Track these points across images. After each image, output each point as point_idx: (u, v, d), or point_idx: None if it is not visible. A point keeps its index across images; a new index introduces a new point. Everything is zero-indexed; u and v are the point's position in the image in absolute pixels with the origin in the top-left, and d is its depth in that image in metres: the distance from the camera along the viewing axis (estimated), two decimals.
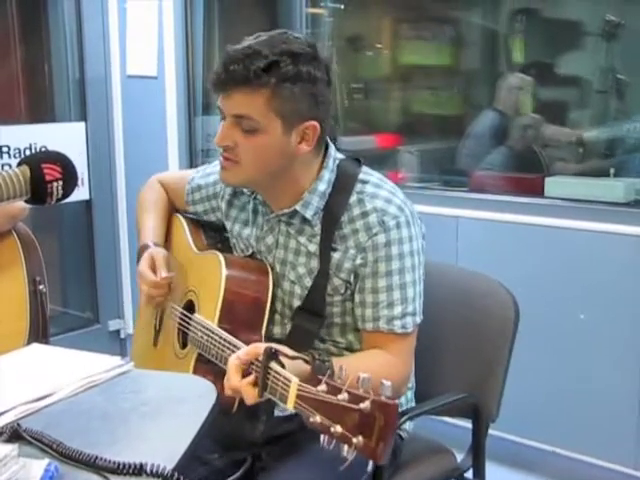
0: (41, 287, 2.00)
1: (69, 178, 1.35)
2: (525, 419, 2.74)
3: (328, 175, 1.67)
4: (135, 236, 2.01)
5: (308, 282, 1.67)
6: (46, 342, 2.01)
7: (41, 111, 4.02)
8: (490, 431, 1.86)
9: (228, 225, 1.84)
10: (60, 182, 1.34)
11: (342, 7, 4.52)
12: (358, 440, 1.10)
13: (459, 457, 1.89)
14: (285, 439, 1.68)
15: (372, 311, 1.63)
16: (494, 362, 1.84)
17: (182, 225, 1.94)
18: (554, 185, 2.92)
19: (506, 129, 3.77)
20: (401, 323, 1.62)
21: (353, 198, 1.64)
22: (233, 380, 1.41)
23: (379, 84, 4.69)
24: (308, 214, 1.65)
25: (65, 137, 3.68)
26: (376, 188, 1.65)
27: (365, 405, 1.10)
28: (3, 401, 1.34)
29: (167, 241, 1.96)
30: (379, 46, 4.80)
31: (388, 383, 1.12)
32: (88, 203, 3.82)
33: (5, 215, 1.93)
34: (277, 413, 1.67)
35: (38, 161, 1.33)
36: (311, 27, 4.16)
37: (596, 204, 2.75)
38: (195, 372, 1.65)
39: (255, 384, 1.38)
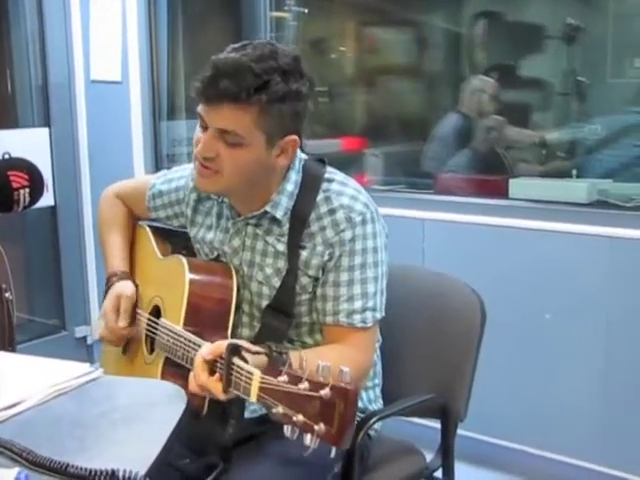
0: (7, 295, 1.98)
1: (36, 185, 1.36)
2: (493, 418, 2.77)
3: (295, 176, 1.69)
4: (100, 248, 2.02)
5: (276, 282, 1.69)
6: (12, 350, 1.98)
7: (3, 117, 3.97)
8: (459, 431, 1.88)
9: (192, 231, 1.85)
10: (27, 189, 1.34)
11: (306, 11, 4.53)
12: (320, 427, 1.12)
13: (428, 457, 1.91)
14: (254, 441, 1.69)
15: (332, 304, 1.65)
16: (461, 363, 1.87)
17: (147, 234, 1.95)
18: (518, 186, 2.95)
19: (470, 131, 3.81)
20: (361, 317, 1.64)
21: (320, 196, 1.67)
22: (200, 377, 1.42)
23: (343, 87, 4.71)
24: (278, 214, 1.67)
25: (28, 143, 3.63)
26: (342, 186, 1.69)
27: (325, 392, 1.12)
28: None
29: (132, 252, 1.98)
30: (343, 49, 4.83)
31: (347, 369, 1.14)
32: (53, 209, 3.78)
33: None
34: (247, 415, 1.68)
35: (4, 168, 1.32)
36: (275, 31, 4.18)
37: (559, 205, 2.79)
38: (163, 376, 1.66)
39: (221, 380, 1.39)
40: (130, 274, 1.92)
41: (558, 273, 2.69)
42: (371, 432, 1.80)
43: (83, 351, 3.89)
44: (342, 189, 1.68)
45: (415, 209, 2.98)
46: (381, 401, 1.86)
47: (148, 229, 1.96)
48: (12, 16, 3.76)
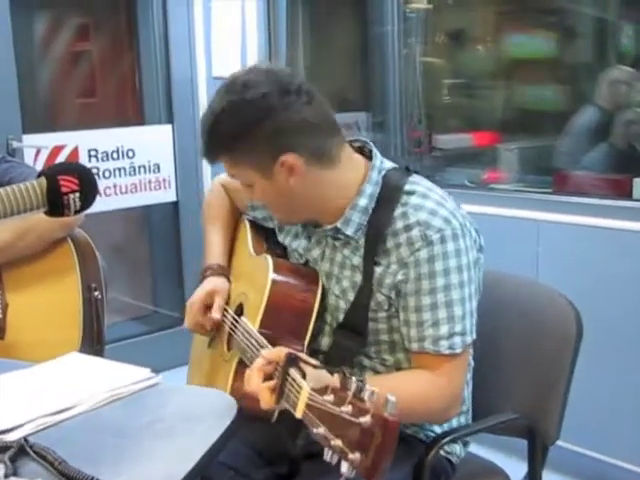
0: (96, 294, 2.01)
1: (87, 189, 1.33)
2: (605, 435, 2.60)
3: (371, 189, 1.59)
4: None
5: (351, 296, 1.61)
6: (101, 349, 2.02)
7: (133, 114, 4.10)
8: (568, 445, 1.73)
9: (280, 237, 1.82)
10: (77, 194, 1.32)
11: (444, 1, 4.43)
12: (355, 456, 1.05)
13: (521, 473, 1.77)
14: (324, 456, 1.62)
15: (417, 330, 1.54)
16: (553, 381, 1.72)
17: (246, 229, 1.93)
18: None
19: (607, 126, 3.59)
20: (448, 343, 1.53)
21: (398, 211, 1.56)
22: (253, 381, 1.37)
23: (481, 80, 4.55)
24: (349, 231, 1.59)
25: (152, 140, 3.74)
26: (422, 199, 1.56)
27: (365, 419, 1.04)
28: (25, 412, 1.34)
29: (232, 245, 1.96)
30: (482, 40, 4.67)
31: (393, 399, 1.05)
32: (175, 205, 3.87)
33: (58, 223, 1.94)
34: None
35: (55, 173, 1.32)
36: (404, 23, 4.08)
37: None
38: (236, 376, 1.62)
39: (274, 390, 1.33)
40: (228, 268, 1.91)
41: None
42: (452, 458, 1.70)
43: None
44: (422, 202, 1.55)
45: (531, 209, 2.81)
46: (469, 416, 1.74)
47: (248, 224, 1.93)
48: (140, 16, 3.86)
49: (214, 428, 1.30)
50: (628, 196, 2.77)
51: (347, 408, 1.08)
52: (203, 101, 3.78)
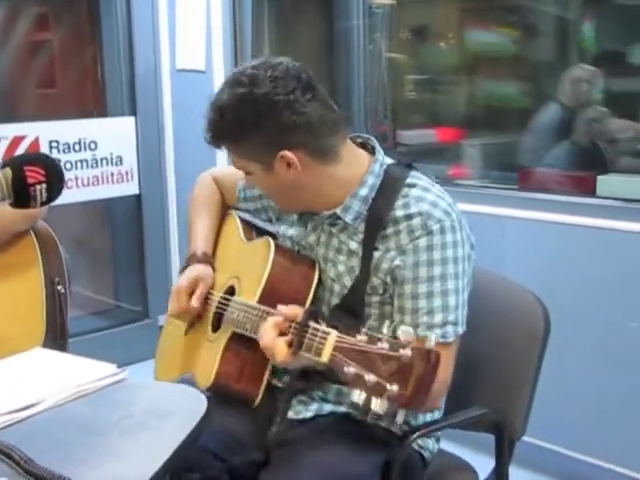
0: (59, 288, 1.97)
1: (54, 180, 1.30)
2: (565, 428, 2.63)
3: (372, 180, 1.63)
4: (185, 233, 2.02)
5: (347, 281, 1.64)
6: (64, 343, 1.99)
7: (95, 106, 4.04)
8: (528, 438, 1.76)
9: (277, 226, 1.84)
10: (44, 185, 1.29)
11: None
12: (392, 388, 1.09)
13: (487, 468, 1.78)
14: (294, 445, 1.62)
15: (411, 318, 1.57)
16: (521, 377, 1.74)
17: (235, 222, 1.94)
18: (606, 184, 2.75)
19: (569, 123, 3.62)
20: (441, 332, 1.55)
21: (399, 201, 1.60)
22: (268, 335, 1.44)
23: (444, 76, 4.57)
24: (348, 218, 1.63)
25: (115, 132, 3.69)
26: (423, 192, 1.61)
27: (405, 352, 1.09)
28: None
29: (217, 237, 1.97)
30: (444, 37, 4.68)
31: (432, 335, 1.13)
32: (138, 197, 3.82)
33: (21, 215, 1.90)
34: (291, 415, 1.65)
35: (20, 163, 1.28)
36: (368, 18, 4.07)
37: None
38: (225, 352, 1.66)
39: (290, 345, 1.39)
40: (212, 256, 1.93)
41: None
42: (425, 454, 1.71)
43: None
44: (423, 195, 1.60)
45: (496, 205, 2.82)
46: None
47: (237, 218, 1.95)
48: (103, 6, 3.80)
49: (184, 424, 1.28)
50: (592, 193, 2.79)
51: (383, 344, 1.13)
52: (167, 93, 3.75)
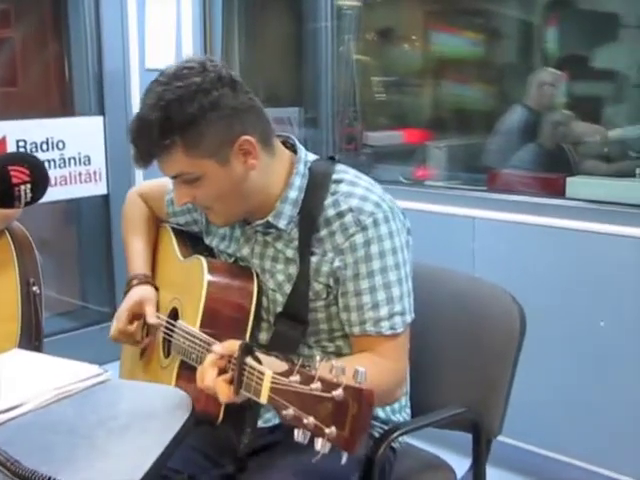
0: (34, 288, 1.96)
1: (38, 181, 1.29)
2: (539, 428, 2.66)
3: (299, 181, 1.61)
4: None
5: (288, 289, 1.62)
6: (39, 344, 1.97)
7: (62, 105, 4.00)
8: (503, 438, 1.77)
9: (208, 240, 1.80)
10: (28, 185, 1.28)
11: None
12: (331, 431, 1.06)
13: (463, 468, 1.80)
14: (268, 451, 1.63)
15: (357, 314, 1.57)
16: (497, 375, 1.75)
17: (169, 235, 1.91)
18: (575, 186, 2.80)
19: (535, 126, 3.67)
20: (389, 324, 1.55)
21: (328, 200, 1.58)
22: (207, 376, 1.35)
23: (409, 78, 4.59)
24: (281, 224, 1.60)
25: (83, 131, 3.66)
26: (351, 186, 1.59)
27: (337, 393, 1.06)
28: None
29: (155, 254, 1.94)
30: (410, 39, 4.71)
31: (362, 369, 1.08)
32: (106, 197, 3.79)
33: None
34: (261, 424, 1.63)
35: (5, 163, 1.27)
36: (337, 19, 4.09)
37: (619, 206, 2.62)
38: (178, 381, 1.60)
39: (231, 382, 1.32)
40: (152, 277, 1.88)
41: (615, 278, 2.54)
42: (395, 445, 1.72)
43: None
44: (351, 190, 1.58)
45: (466, 207, 2.85)
46: (408, 410, 1.77)
47: (171, 231, 1.91)
48: (70, 4, 3.76)
49: (169, 425, 1.28)
50: (561, 195, 2.83)
51: (316, 385, 1.09)
52: (135, 92, 3.71)
